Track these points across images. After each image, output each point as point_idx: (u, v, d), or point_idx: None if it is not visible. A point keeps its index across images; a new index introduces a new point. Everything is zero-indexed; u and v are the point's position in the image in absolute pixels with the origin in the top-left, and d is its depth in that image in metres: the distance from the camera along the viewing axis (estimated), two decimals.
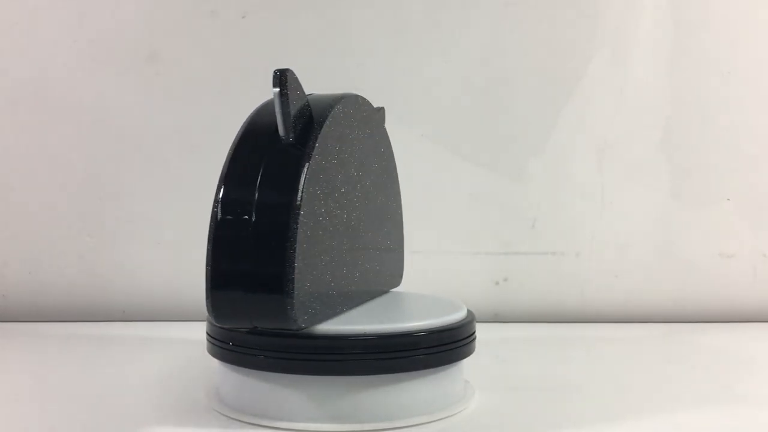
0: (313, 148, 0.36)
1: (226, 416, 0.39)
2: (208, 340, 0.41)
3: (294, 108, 0.36)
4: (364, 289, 0.43)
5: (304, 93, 0.37)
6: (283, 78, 0.35)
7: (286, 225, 0.34)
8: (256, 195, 0.35)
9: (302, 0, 0.64)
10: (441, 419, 0.39)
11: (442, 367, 0.39)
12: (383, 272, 0.46)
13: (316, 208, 0.36)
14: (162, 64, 0.64)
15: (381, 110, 0.46)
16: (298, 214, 0.34)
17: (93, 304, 0.65)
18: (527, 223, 0.65)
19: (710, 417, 0.41)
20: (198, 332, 0.43)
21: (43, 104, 0.64)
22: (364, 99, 0.43)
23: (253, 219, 0.35)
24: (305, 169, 0.35)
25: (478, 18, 0.64)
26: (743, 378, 0.49)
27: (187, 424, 0.38)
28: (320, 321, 0.37)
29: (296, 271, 0.34)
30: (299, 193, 0.35)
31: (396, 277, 0.48)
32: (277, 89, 0.35)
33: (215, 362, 0.41)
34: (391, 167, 0.47)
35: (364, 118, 0.42)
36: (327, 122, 0.37)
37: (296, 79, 0.36)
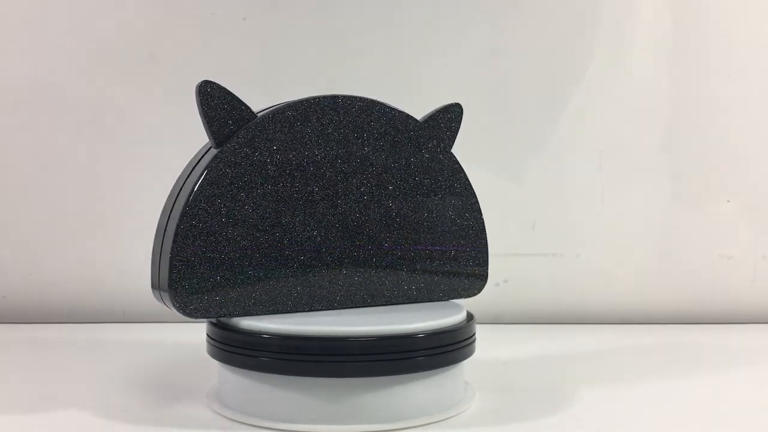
0: (223, 152, 0.39)
1: (226, 417, 0.39)
2: (208, 341, 0.41)
3: (217, 116, 0.39)
4: (350, 294, 0.42)
5: (233, 101, 0.39)
6: (201, 90, 0.39)
7: (177, 222, 0.38)
8: (176, 196, 0.40)
9: (302, 2, 0.64)
10: (442, 420, 0.39)
11: (443, 368, 0.39)
12: (396, 282, 0.43)
13: (221, 207, 0.39)
14: (162, 65, 0.64)
15: (446, 109, 0.45)
16: (186, 212, 0.38)
17: (93, 305, 0.65)
18: (527, 224, 0.65)
19: (710, 417, 0.41)
20: (198, 333, 0.43)
21: (43, 104, 0.64)
22: (355, 101, 0.42)
23: (168, 218, 0.39)
24: (203, 173, 0.38)
25: (478, 18, 0.64)
26: (743, 379, 0.49)
27: (187, 424, 0.38)
28: (237, 315, 0.39)
29: (178, 265, 0.38)
30: (190, 195, 0.38)
31: (442, 290, 0.44)
32: (197, 100, 0.39)
33: (215, 363, 0.41)
34: (428, 172, 0.44)
35: (349, 121, 0.42)
36: (252, 126, 0.39)
37: (221, 89, 0.39)
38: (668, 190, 0.66)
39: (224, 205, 0.39)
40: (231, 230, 0.39)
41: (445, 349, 0.39)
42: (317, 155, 0.41)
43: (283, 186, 0.40)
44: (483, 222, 0.46)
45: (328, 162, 0.41)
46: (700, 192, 0.66)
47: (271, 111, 0.40)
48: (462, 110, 0.45)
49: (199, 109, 0.39)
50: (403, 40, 0.64)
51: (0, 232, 0.65)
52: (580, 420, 0.40)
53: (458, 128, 0.45)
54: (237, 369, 0.39)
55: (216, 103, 0.39)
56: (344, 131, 0.42)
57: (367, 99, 0.42)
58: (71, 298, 0.65)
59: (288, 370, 0.37)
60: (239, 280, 0.39)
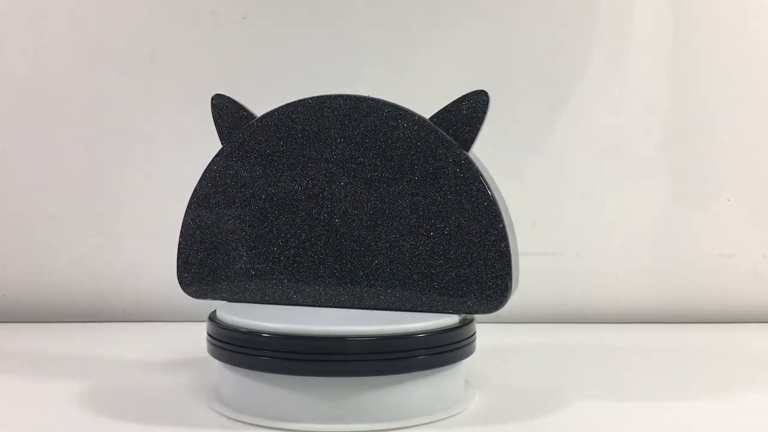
0: (218, 155, 0.44)
1: (226, 416, 0.39)
2: (208, 340, 0.41)
3: (225, 125, 0.44)
4: (336, 295, 0.42)
5: (238, 111, 0.44)
6: (212, 102, 0.44)
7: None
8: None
9: (302, 0, 0.64)
10: (441, 420, 0.39)
11: (443, 367, 0.39)
12: (390, 287, 0.41)
13: (215, 205, 0.44)
14: (162, 64, 0.64)
15: (464, 99, 0.41)
16: (187, 209, 0.44)
17: (93, 304, 0.65)
18: (527, 224, 0.65)
19: (710, 418, 0.41)
20: (198, 332, 0.43)
21: (43, 104, 0.64)
22: (341, 100, 0.42)
23: None
24: (205, 172, 0.44)
25: (477, 18, 0.64)
26: (743, 378, 0.49)
27: (187, 424, 0.39)
28: (231, 300, 0.43)
29: (181, 254, 0.45)
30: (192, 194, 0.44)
31: (447, 300, 0.41)
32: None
33: (215, 362, 0.41)
34: (429, 171, 0.41)
35: (333, 121, 0.42)
36: (242, 131, 0.43)
37: (228, 100, 0.44)
38: (668, 190, 0.66)
39: (217, 203, 0.44)
40: (224, 225, 0.44)
41: (445, 348, 0.39)
42: (303, 156, 0.42)
43: (270, 185, 0.43)
44: (503, 227, 0.41)
45: (312, 162, 0.42)
46: (700, 191, 0.66)
47: (260, 116, 0.43)
48: (487, 98, 0.41)
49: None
50: (403, 39, 0.64)
51: (0, 231, 0.65)
52: (580, 420, 0.40)
53: (482, 119, 0.41)
54: (237, 368, 0.39)
55: (224, 113, 0.44)
56: (329, 131, 0.42)
57: (355, 97, 0.42)
58: (71, 297, 0.65)
59: (288, 370, 0.37)
60: (231, 270, 0.43)
